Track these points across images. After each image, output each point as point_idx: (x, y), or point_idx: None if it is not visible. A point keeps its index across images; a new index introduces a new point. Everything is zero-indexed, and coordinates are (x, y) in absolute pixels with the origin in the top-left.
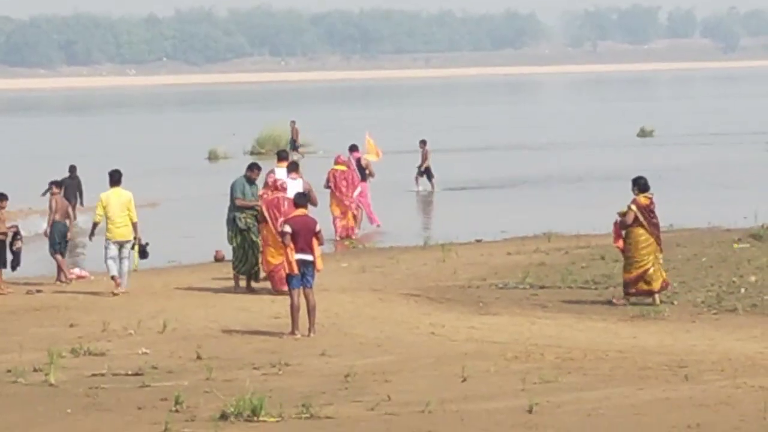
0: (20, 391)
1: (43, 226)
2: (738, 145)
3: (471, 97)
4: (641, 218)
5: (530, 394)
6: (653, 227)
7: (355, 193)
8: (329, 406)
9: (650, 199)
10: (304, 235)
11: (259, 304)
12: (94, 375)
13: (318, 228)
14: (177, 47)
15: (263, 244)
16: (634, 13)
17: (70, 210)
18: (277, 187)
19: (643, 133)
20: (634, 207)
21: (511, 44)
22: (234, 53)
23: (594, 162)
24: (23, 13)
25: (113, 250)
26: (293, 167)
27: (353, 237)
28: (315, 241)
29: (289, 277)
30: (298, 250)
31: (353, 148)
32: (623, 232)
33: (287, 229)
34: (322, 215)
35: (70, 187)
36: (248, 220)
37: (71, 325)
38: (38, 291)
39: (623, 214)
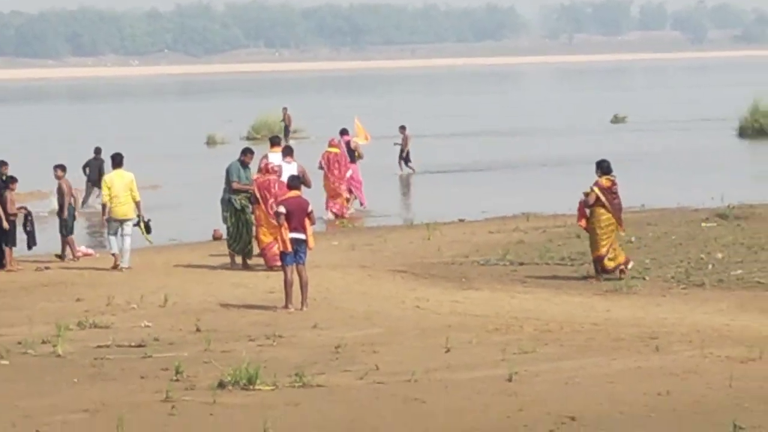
0: (30, 362)
1: (54, 206)
2: (706, 131)
3: (454, 86)
4: (603, 199)
5: (510, 364)
6: (615, 208)
7: (347, 175)
8: (321, 375)
9: (612, 181)
10: (297, 216)
11: (254, 279)
12: (99, 346)
13: (310, 209)
14: (177, 39)
15: (256, 224)
16: (607, 7)
17: (73, 191)
18: (269, 170)
19: (616, 120)
20: (596, 188)
21: (492, 36)
22: (231, 45)
23: (570, 147)
24: (32, 7)
25: (114, 226)
26: (288, 151)
27: (345, 217)
28: (307, 221)
29: (283, 255)
30: (291, 229)
31: (344, 132)
32: (588, 212)
33: (281, 209)
34: (315, 196)
35: (93, 167)
36: (243, 202)
37: (78, 300)
38: (46, 268)
39: (587, 195)
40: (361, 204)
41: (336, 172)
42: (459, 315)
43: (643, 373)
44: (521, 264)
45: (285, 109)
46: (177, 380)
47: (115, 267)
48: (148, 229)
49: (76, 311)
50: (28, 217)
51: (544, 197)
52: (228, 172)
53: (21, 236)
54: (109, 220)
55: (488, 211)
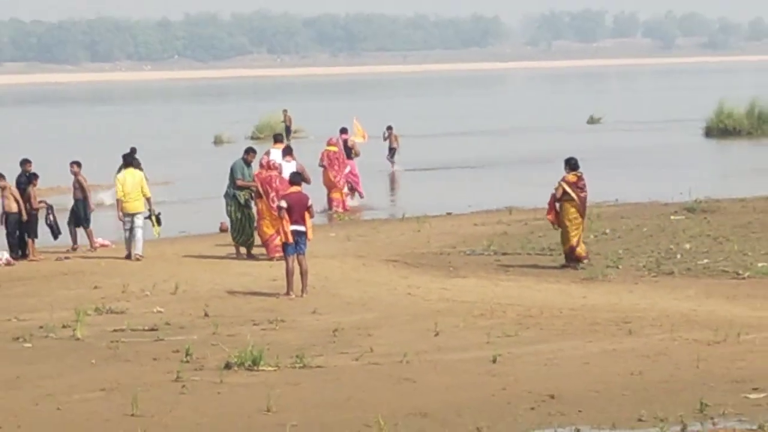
0: (51, 345)
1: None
2: (675, 131)
3: (443, 89)
4: (571, 193)
5: (494, 347)
6: (580, 201)
7: (345, 171)
8: (320, 356)
9: (578, 176)
10: (298, 209)
11: (258, 269)
12: (115, 330)
13: (310, 203)
14: (187, 46)
15: (259, 217)
16: (584, 16)
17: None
18: (270, 166)
19: (592, 120)
20: (563, 183)
21: (478, 43)
22: (236, 52)
23: (549, 145)
24: (53, 16)
25: (126, 221)
26: (288, 151)
27: (345, 210)
28: (307, 214)
29: (285, 246)
30: (292, 222)
31: (343, 131)
32: (557, 206)
33: (283, 204)
34: (316, 191)
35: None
36: (246, 197)
37: (95, 288)
38: (66, 258)
39: (555, 189)
40: (360, 196)
41: (336, 167)
42: (447, 301)
43: (617, 354)
44: (504, 254)
45: (285, 110)
46: (187, 362)
47: (128, 257)
48: (158, 222)
49: (93, 298)
50: (49, 211)
51: (526, 192)
52: (233, 169)
53: (42, 229)
54: (123, 215)
55: (474, 205)
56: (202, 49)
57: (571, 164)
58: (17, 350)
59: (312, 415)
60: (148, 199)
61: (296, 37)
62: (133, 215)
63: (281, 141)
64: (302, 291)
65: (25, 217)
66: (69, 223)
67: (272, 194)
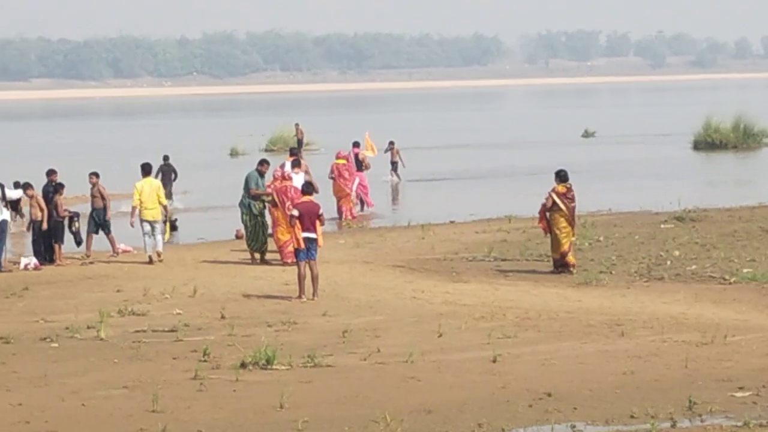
0: (77, 345)
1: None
2: (665, 145)
3: (446, 104)
4: (560, 203)
5: (494, 347)
6: (570, 211)
7: (354, 185)
8: (330, 356)
9: (568, 187)
10: (309, 217)
11: (271, 273)
12: (137, 331)
13: (321, 212)
14: (204, 63)
15: (275, 225)
16: (579, 36)
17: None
18: (285, 177)
19: (586, 134)
20: (553, 194)
21: (478, 61)
22: (251, 69)
23: (546, 158)
24: (78, 35)
25: (146, 227)
26: (296, 163)
27: (353, 218)
28: (318, 222)
29: (297, 251)
30: (304, 230)
31: (355, 144)
32: (548, 216)
33: (295, 212)
34: (325, 200)
35: (166, 173)
36: (259, 207)
37: (118, 291)
38: (90, 263)
39: (546, 199)
40: (369, 205)
41: (346, 176)
42: (450, 304)
43: (610, 355)
44: (504, 260)
45: (297, 124)
46: (205, 361)
47: (150, 262)
48: (173, 227)
49: (116, 300)
50: (73, 219)
51: (524, 202)
52: (247, 180)
53: (66, 235)
54: (142, 222)
55: (475, 213)
56: (218, 67)
57: (561, 176)
58: (44, 350)
59: (322, 411)
60: (164, 207)
61: (307, 55)
62: (152, 223)
63: (295, 155)
64: (313, 294)
65: (45, 225)
66: (88, 231)
67: (288, 203)
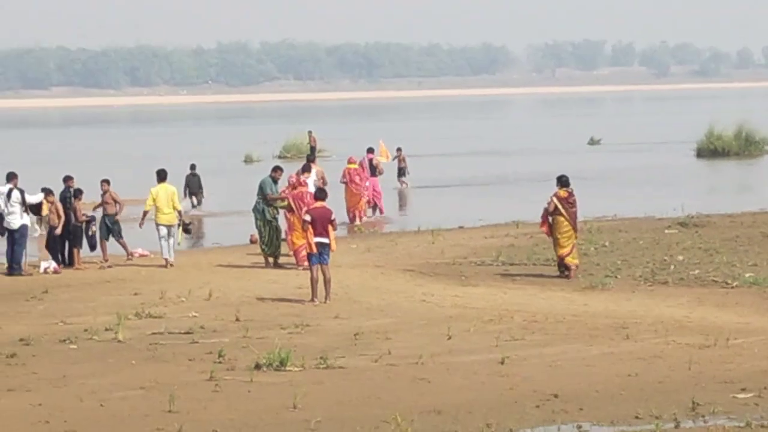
0: (95, 346)
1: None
2: (669, 152)
3: (455, 113)
4: (561, 208)
5: (502, 349)
6: (571, 216)
7: (366, 185)
8: (342, 358)
9: (569, 192)
10: (321, 223)
11: (285, 277)
12: (153, 333)
13: (333, 217)
14: (219, 72)
15: (291, 229)
16: (585, 46)
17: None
18: (300, 183)
19: (592, 142)
20: (555, 199)
21: (487, 70)
22: (265, 77)
23: (553, 165)
24: (96, 45)
25: (163, 231)
26: (306, 168)
27: (363, 222)
28: (330, 227)
29: (310, 256)
30: (316, 234)
31: (370, 150)
32: (550, 219)
33: (307, 218)
34: (337, 205)
35: (192, 181)
36: (273, 212)
37: (135, 294)
38: (108, 266)
39: (548, 204)
40: (381, 212)
41: (358, 181)
42: (459, 307)
43: (615, 357)
44: (512, 264)
45: (310, 132)
46: (220, 362)
47: (166, 265)
48: (187, 231)
49: (133, 303)
50: (90, 223)
51: (531, 208)
52: (261, 186)
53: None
54: (158, 226)
55: (484, 219)
56: (233, 75)
57: (562, 181)
58: (64, 351)
59: (335, 411)
60: (179, 212)
61: (320, 64)
62: (168, 227)
63: (312, 161)
64: (326, 298)
65: (59, 231)
66: (100, 237)
67: (304, 208)
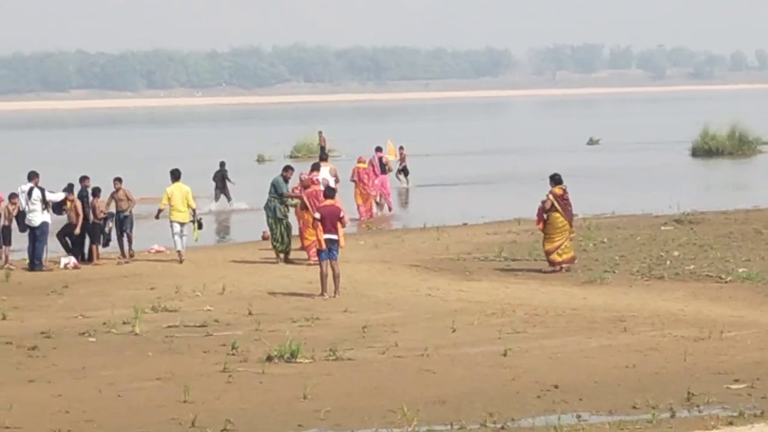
0: (113, 339)
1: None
2: (665, 152)
3: (459, 114)
4: (557, 205)
5: (505, 342)
6: (567, 212)
7: (375, 183)
8: (350, 350)
9: (563, 190)
10: (330, 220)
11: (296, 272)
12: (169, 327)
13: (342, 214)
14: (233, 75)
15: (304, 226)
16: (584, 49)
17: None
18: (313, 182)
19: (591, 142)
20: (550, 196)
21: (490, 73)
22: (277, 80)
23: (554, 164)
24: (114, 49)
25: (177, 227)
26: (315, 167)
27: (372, 219)
28: (339, 224)
29: (319, 252)
30: (326, 231)
31: (378, 149)
32: (545, 216)
33: (317, 216)
34: (348, 202)
35: (219, 177)
36: (284, 210)
37: (151, 288)
38: (126, 262)
39: (544, 202)
40: (389, 209)
41: (366, 181)
42: (463, 301)
43: (613, 349)
44: (514, 260)
45: (321, 132)
46: (233, 354)
47: (179, 258)
48: (200, 226)
49: (150, 298)
50: (107, 220)
51: (533, 205)
52: (274, 185)
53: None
54: (172, 223)
55: (487, 216)
56: (246, 78)
57: (556, 179)
58: (83, 344)
59: (344, 402)
60: (193, 210)
61: (329, 67)
62: (181, 224)
63: (325, 159)
64: (335, 292)
65: (78, 230)
66: (118, 234)
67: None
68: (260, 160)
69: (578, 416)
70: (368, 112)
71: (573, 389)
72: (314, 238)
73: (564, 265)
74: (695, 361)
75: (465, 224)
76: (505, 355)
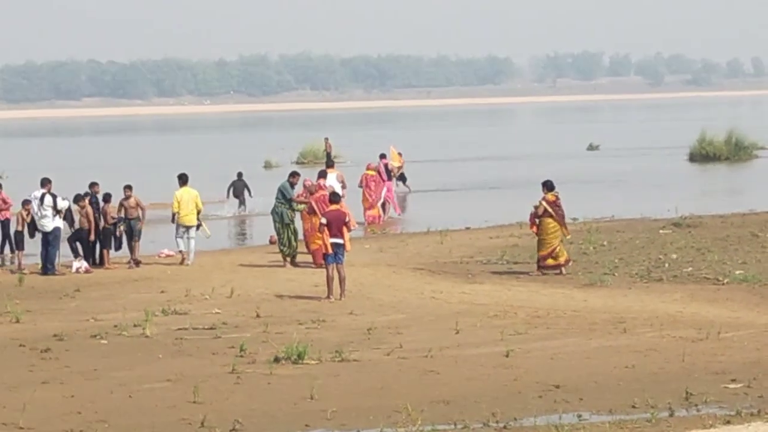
0: (124, 341)
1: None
2: (663, 157)
3: (462, 120)
4: (550, 210)
5: (507, 343)
6: (559, 217)
7: (383, 192)
8: (356, 352)
9: (556, 196)
10: (336, 225)
11: (302, 276)
12: (179, 329)
13: (347, 219)
14: (241, 83)
15: (311, 230)
16: (584, 57)
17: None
18: (321, 187)
19: (591, 148)
20: (543, 202)
21: (492, 81)
22: (283, 88)
23: (554, 169)
24: (125, 58)
25: (181, 231)
26: (322, 174)
27: (379, 224)
28: (345, 229)
29: (326, 256)
30: (332, 236)
31: (383, 156)
32: (537, 221)
33: (323, 220)
34: (355, 207)
35: (238, 187)
36: (291, 215)
37: (162, 292)
38: (137, 266)
39: (536, 207)
40: (397, 212)
41: (372, 187)
42: (466, 304)
43: (613, 350)
44: (516, 263)
45: (327, 139)
46: (241, 356)
47: (182, 263)
48: (197, 227)
49: (160, 301)
50: (117, 225)
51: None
52: (282, 190)
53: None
54: (178, 226)
55: (489, 220)
56: (254, 86)
57: (549, 185)
58: (94, 346)
59: (349, 402)
60: (198, 212)
61: (335, 75)
62: (187, 227)
63: (332, 166)
64: (341, 295)
65: (92, 236)
66: (128, 240)
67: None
68: (267, 166)
69: (579, 416)
70: (373, 119)
71: (574, 389)
72: (321, 243)
73: (562, 268)
74: (693, 362)
75: (468, 228)
76: (507, 356)
